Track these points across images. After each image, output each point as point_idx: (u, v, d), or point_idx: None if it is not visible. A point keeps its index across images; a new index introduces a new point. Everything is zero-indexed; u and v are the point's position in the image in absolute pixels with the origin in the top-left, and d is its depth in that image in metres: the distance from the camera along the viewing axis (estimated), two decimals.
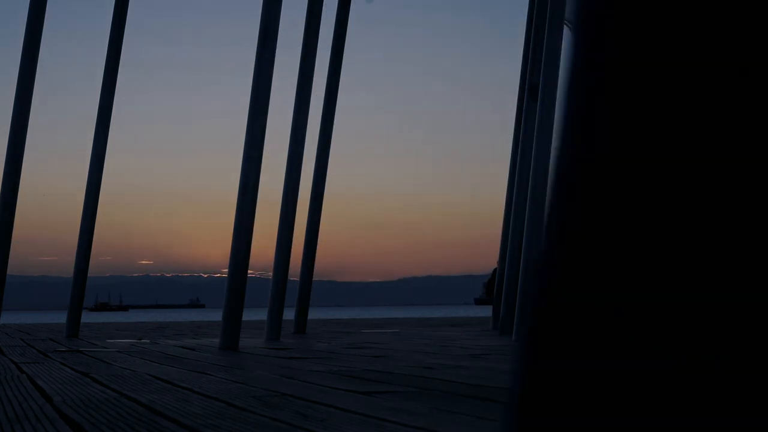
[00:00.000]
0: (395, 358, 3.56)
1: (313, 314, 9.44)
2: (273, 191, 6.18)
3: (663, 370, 0.28)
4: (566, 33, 6.19)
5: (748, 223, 0.27)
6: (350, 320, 13.58)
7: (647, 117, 0.29)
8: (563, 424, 0.30)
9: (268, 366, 3.16)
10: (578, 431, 0.30)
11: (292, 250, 6.13)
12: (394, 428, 1.48)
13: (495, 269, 7.77)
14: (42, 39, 6.04)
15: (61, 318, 9.13)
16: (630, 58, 0.30)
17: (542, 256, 0.33)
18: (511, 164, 7.41)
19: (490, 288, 15.87)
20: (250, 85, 4.70)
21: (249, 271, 4.60)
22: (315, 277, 7.17)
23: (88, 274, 6.78)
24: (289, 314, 6.56)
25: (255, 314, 11.97)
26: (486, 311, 12.53)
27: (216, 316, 4.98)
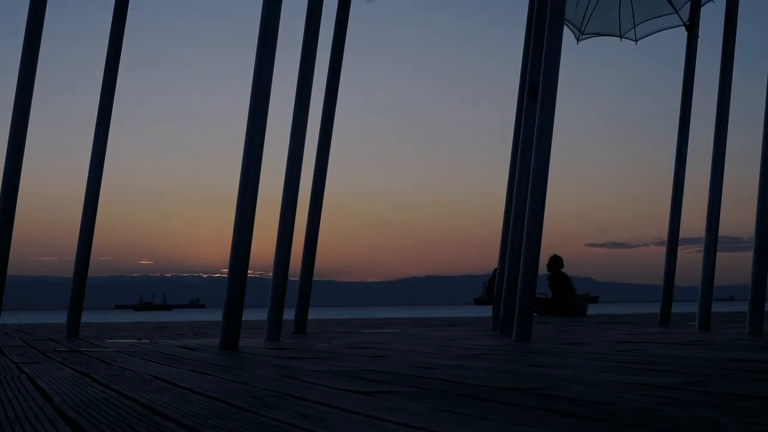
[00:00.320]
0: (395, 358, 3.56)
1: (313, 314, 9.43)
2: (273, 191, 6.18)
3: None
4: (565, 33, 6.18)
5: None
6: (350, 320, 13.57)
7: None
8: None
9: (268, 366, 3.16)
10: None
11: (292, 250, 6.13)
12: (394, 428, 1.48)
13: (495, 269, 7.76)
14: (42, 39, 6.04)
15: (61, 318, 9.13)
16: None
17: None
18: (511, 164, 7.41)
19: (489, 288, 15.79)
20: (250, 85, 4.70)
21: (249, 271, 4.60)
22: (315, 277, 7.17)
23: (88, 274, 6.78)
24: (289, 314, 6.56)
25: (255, 314, 11.97)
26: (486, 311, 12.53)
27: (216, 316, 4.97)
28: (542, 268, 9.47)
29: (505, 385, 2.26)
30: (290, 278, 6.23)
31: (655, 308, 9.26)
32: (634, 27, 9.47)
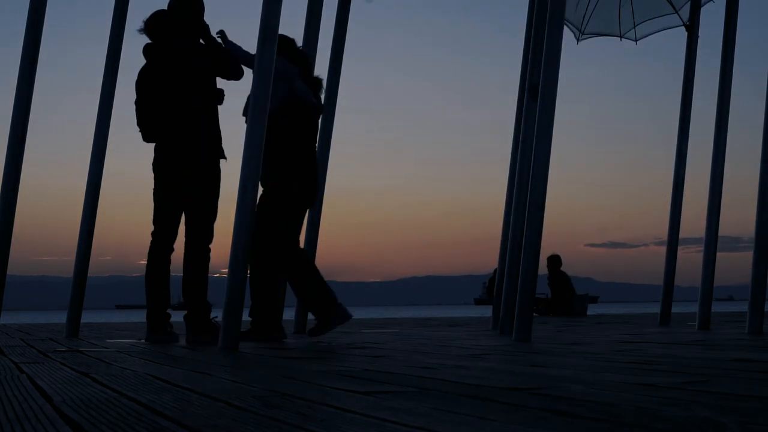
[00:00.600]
0: (395, 358, 3.56)
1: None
2: None
3: None
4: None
5: None
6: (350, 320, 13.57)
7: None
8: None
9: (269, 366, 3.16)
10: None
11: None
12: (394, 428, 1.48)
13: (495, 269, 7.76)
14: (42, 39, 6.04)
15: (61, 318, 9.13)
16: None
17: None
18: (511, 164, 7.41)
19: (489, 288, 15.67)
20: (250, 85, 4.70)
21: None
22: None
23: (88, 274, 6.78)
24: (289, 314, 6.55)
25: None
26: (486, 311, 12.53)
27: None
28: (542, 269, 9.46)
29: (505, 385, 2.26)
30: None
31: (655, 308, 9.26)
32: (634, 27, 9.47)
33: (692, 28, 8.47)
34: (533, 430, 1.44)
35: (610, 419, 1.56)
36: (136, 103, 5.25)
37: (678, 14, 8.89)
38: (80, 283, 6.70)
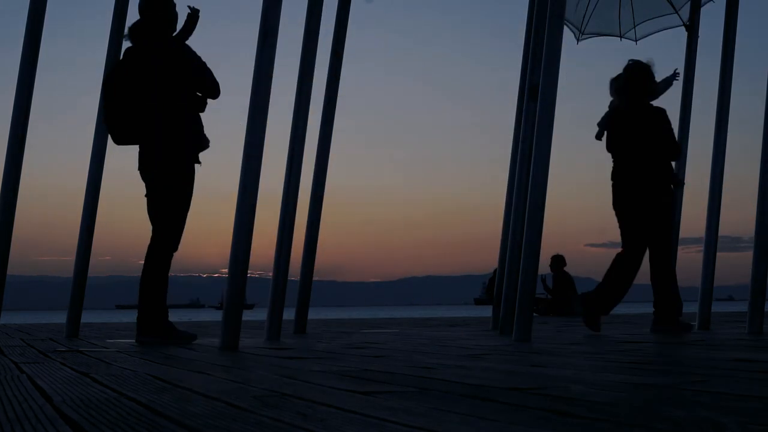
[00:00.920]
0: (395, 358, 3.56)
1: (313, 314, 9.43)
2: (273, 191, 6.18)
3: None
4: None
5: None
6: (350, 320, 13.57)
7: None
8: None
9: (268, 366, 3.16)
10: None
11: (292, 250, 6.13)
12: (393, 428, 1.48)
13: (495, 269, 7.76)
14: (42, 39, 6.03)
15: (61, 318, 9.13)
16: None
17: None
18: (511, 164, 7.41)
19: (489, 288, 15.58)
20: (250, 85, 4.70)
21: (249, 271, 4.60)
22: (315, 277, 7.17)
23: (88, 274, 6.78)
24: (289, 314, 6.55)
25: (255, 314, 11.97)
26: (486, 311, 12.53)
27: (216, 316, 4.97)
28: (544, 268, 9.45)
29: (505, 385, 2.26)
30: (290, 278, 6.23)
31: None
32: (634, 27, 9.47)
33: (692, 28, 8.47)
34: (533, 430, 1.44)
35: (610, 419, 1.56)
36: (105, 104, 5.26)
37: (678, 14, 8.89)
38: (80, 283, 6.70)
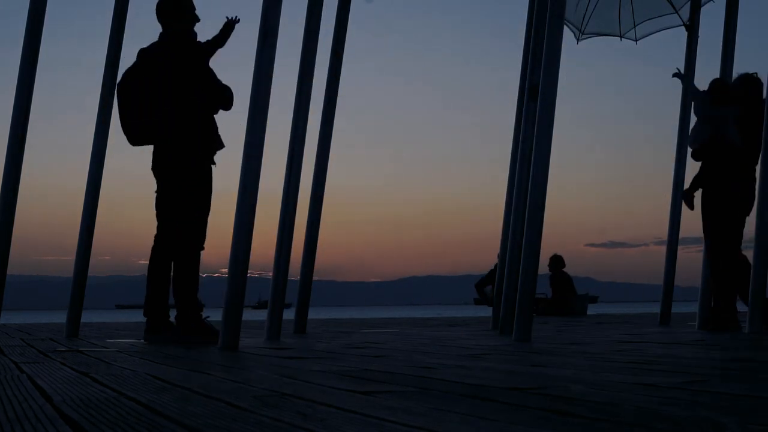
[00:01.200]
0: (395, 358, 3.56)
1: (313, 314, 9.43)
2: (273, 191, 6.18)
3: None
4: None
5: None
6: (350, 320, 13.57)
7: None
8: None
9: (268, 366, 3.16)
10: None
11: (292, 250, 6.13)
12: (393, 428, 1.48)
13: (495, 264, 7.75)
14: (42, 39, 6.03)
15: (61, 318, 9.13)
16: None
17: None
18: (511, 164, 7.41)
19: (480, 285, 15.27)
20: (250, 85, 4.69)
21: (249, 271, 4.60)
22: (315, 277, 7.16)
23: (88, 274, 6.78)
24: (289, 314, 6.55)
25: (255, 314, 11.97)
26: (486, 311, 12.53)
27: (216, 316, 4.98)
28: (543, 268, 9.46)
29: (505, 385, 2.26)
30: (290, 278, 6.23)
31: (655, 308, 9.26)
32: (634, 27, 9.47)
33: (692, 28, 8.47)
34: (533, 430, 1.44)
35: (610, 419, 1.56)
36: (120, 105, 5.30)
37: (678, 14, 8.89)
38: (80, 282, 6.70)
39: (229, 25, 5.35)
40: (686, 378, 2.38)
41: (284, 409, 1.78)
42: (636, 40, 9.51)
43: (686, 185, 7.40)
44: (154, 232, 5.30)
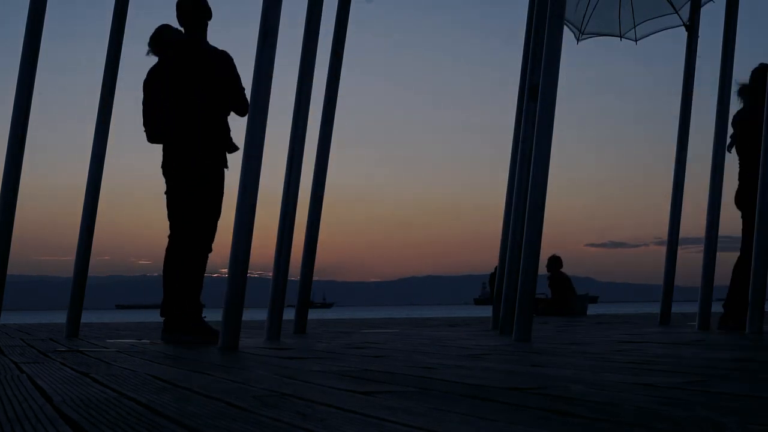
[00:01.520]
0: (395, 358, 3.56)
1: (313, 314, 9.43)
2: (273, 191, 6.18)
3: None
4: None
5: None
6: (350, 320, 13.57)
7: None
8: None
9: (268, 366, 3.16)
10: None
11: (292, 250, 6.13)
12: (393, 428, 1.48)
13: (496, 267, 7.76)
14: (42, 39, 6.03)
15: (61, 318, 9.13)
16: None
17: None
18: (511, 164, 7.41)
19: (491, 282, 15.35)
20: (250, 85, 4.70)
21: (249, 271, 4.60)
22: (315, 277, 7.16)
23: (88, 274, 6.78)
24: (289, 314, 6.55)
25: (255, 314, 11.97)
26: (486, 311, 12.53)
27: (216, 316, 4.98)
28: (542, 269, 9.46)
29: (505, 385, 2.26)
30: (290, 278, 6.23)
31: (655, 308, 9.26)
32: (634, 27, 9.47)
33: (692, 28, 8.47)
34: (533, 430, 1.44)
35: (610, 419, 1.56)
36: (143, 103, 5.34)
37: (678, 14, 8.88)
38: (80, 282, 6.70)
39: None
40: (686, 378, 2.38)
41: (284, 409, 1.78)
42: (636, 40, 9.51)
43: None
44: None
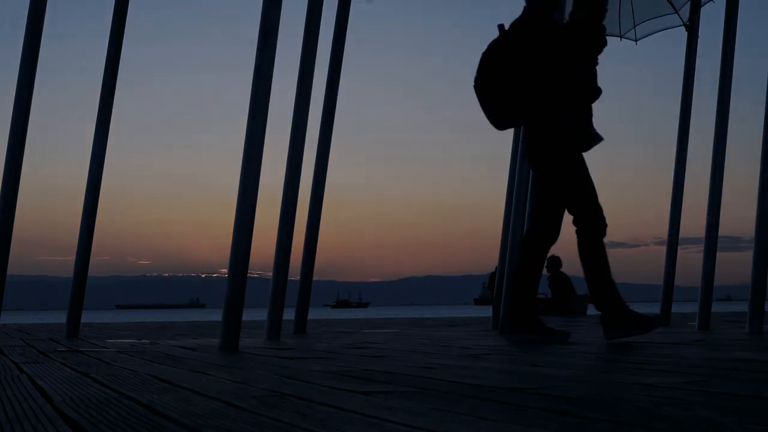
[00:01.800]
0: (395, 358, 3.56)
1: (313, 314, 9.43)
2: (273, 191, 6.19)
3: None
4: None
5: None
6: (350, 320, 13.57)
7: None
8: None
9: (268, 366, 3.16)
10: None
11: (292, 250, 6.13)
12: (393, 428, 1.48)
13: (496, 266, 7.76)
14: (42, 39, 6.03)
15: (61, 318, 9.13)
16: None
17: None
18: (511, 165, 7.41)
19: (491, 283, 15.34)
20: (250, 85, 4.70)
21: (249, 271, 4.60)
22: (315, 277, 7.16)
23: (88, 274, 6.78)
24: (289, 314, 6.55)
25: (255, 314, 11.97)
26: (486, 311, 12.54)
27: (216, 316, 4.97)
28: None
29: (505, 385, 2.26)
30: (290, 278, 6.23)
31: (655, 308, 9.26)
32: (634, 27, 9.47)
33: (692, 28, 8.47)
34: (533, 430, 1.44)
35: (610, 419, 1.56)
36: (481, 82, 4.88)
37: (678, 14, 8.88)
38: (80, 283, 6.71)
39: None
40: (686, 378, 2.38)
41: (284, 409, 1.78)
42: (636, 40, 9.51)
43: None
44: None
